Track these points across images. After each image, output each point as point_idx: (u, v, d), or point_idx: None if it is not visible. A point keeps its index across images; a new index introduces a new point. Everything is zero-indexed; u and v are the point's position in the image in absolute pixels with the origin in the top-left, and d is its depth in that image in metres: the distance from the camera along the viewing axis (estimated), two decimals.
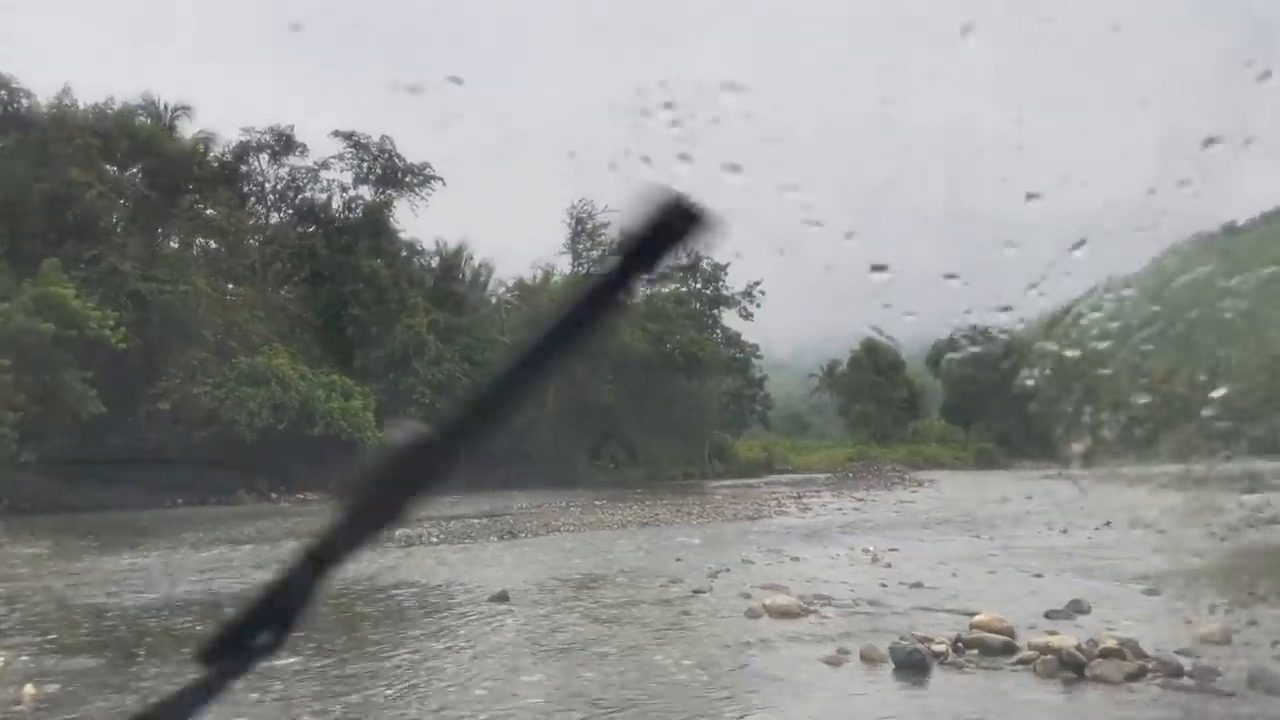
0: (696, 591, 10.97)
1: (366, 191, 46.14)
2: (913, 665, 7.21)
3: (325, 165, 45.20)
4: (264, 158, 44.12)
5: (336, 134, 45.26)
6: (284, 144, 43.78)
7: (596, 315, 0.71)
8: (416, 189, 46.52)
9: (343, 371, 40.09)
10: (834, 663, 7.49)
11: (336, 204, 46.10)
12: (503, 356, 0.71)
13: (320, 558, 0.75)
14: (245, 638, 0.73)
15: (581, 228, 55.01)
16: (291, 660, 7.76)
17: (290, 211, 45.75)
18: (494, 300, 55.45)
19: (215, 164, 41.55)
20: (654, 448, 52.24)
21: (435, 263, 50.49)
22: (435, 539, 18.52)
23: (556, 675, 7.41)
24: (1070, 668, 7.01)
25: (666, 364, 50.74)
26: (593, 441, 50.31)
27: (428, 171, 46.63)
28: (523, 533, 19.45)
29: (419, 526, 21.21)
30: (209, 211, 41.22)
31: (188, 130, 41.78)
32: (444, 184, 47.17)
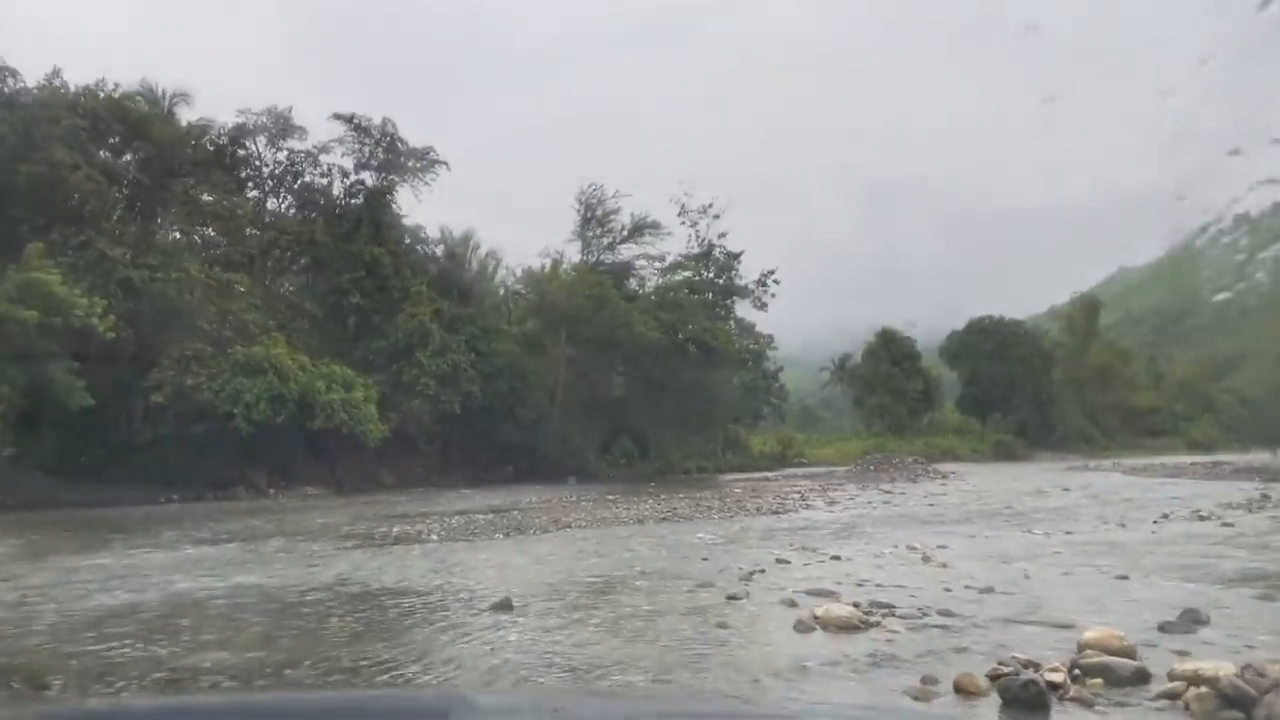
0: (731, 598, 9.39)
1: (368, 176, 44.65)
2: (1027, 701, 5.60)
3: (325, 149, 43.77)
4: (261, 141, 42.66)
5: (336, 117, 43.83)
6: (282, 126, 42.32)
7: None
8: (420, 173, 45.00)
9: (344, 362, 38.67)
10: (922, 696, 5.89)
11: (337, 189, 44.66)
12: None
13: None
14: None
15: (590, 214, 53.41)
16: (243, 688, 6.22)
17: (289, 197, 44.29)
18: (501, 291, 53.96)
19: (210, 147, 40.06)
20: (666, 441, 50.70)
21: (440, 250, 49.01)
22: (435, 536, 17.01)
23: None
24: (1235, 705, 5.40)
25: (679, 354, 49.20)
26: (603, 435, 48.78)
27: (431, 155, 45.12)
28: (531, 529, 17.92)
29: (418, 523, 19.70)
30: (205, 197, 39.80)
31: (187, 118, 40.43)
32: (448, 168, 45.68)
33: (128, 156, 37.60)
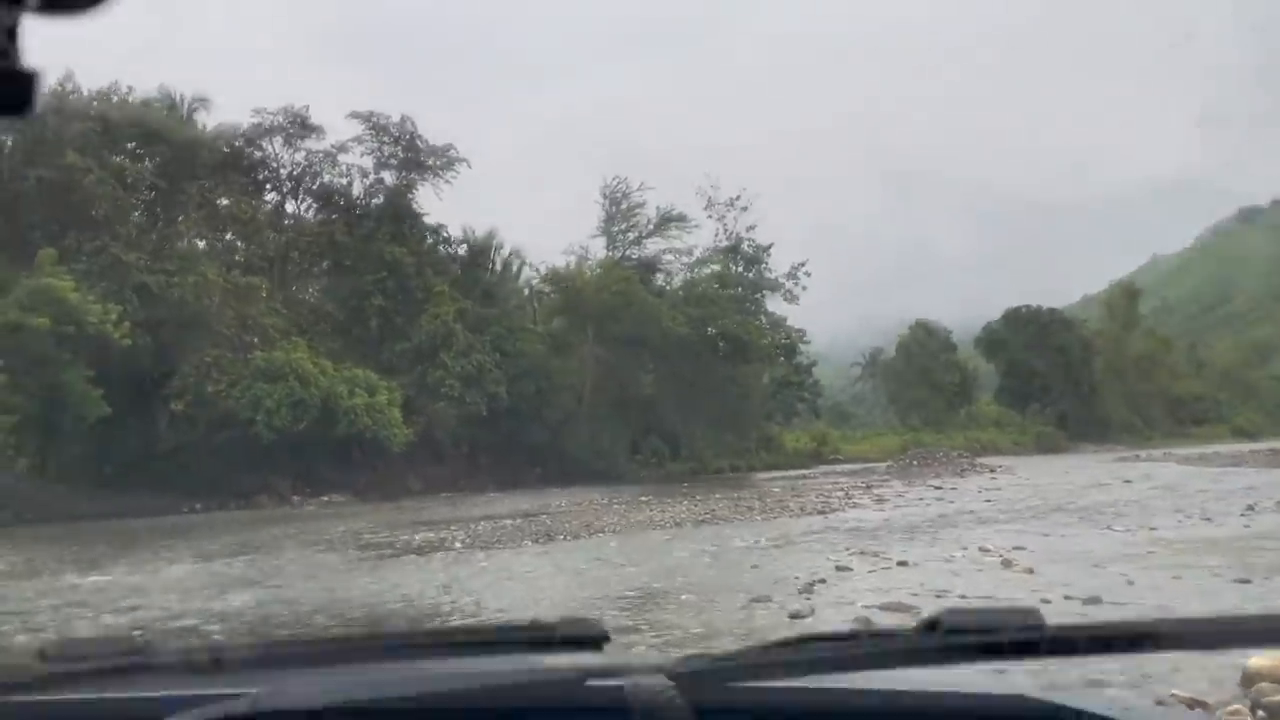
0: (795, 616, 8.10)
1: (388, 176, 43.68)
2: None
3: (343, 149, 42.83)
4: (278, 141, 41.81)
5: (354, 115, 42.89)
6: (299, 126, 41.43)
7: None
8: (440, 171, 43.97)
9: (367, 365, 37.70)
10: None
11: (356, 189, 43.70)
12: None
13: None
14: None
15: (616, 209, 52.17)
16: None
17: (307, 198, 43.44)
18: (526, 290, 52.83)
19: (226, 149, 39.23)
20: (698, 439, 49.28)
21: (463, 250, 47.95)
22: (459, 544, 15.85)
23: None
24: None
25: (709, 350, 47.80)
26: (633, 435, 47.48)
27: (451, 153, 44.09)
28: (561, 535, 16.71)
29: (443, 530, 18.55)
30: (222, 200, 39.02)
31: (205, 123, 39.66)
32: (468, 165, 44.63)
33: (144, 162, 36.87)
